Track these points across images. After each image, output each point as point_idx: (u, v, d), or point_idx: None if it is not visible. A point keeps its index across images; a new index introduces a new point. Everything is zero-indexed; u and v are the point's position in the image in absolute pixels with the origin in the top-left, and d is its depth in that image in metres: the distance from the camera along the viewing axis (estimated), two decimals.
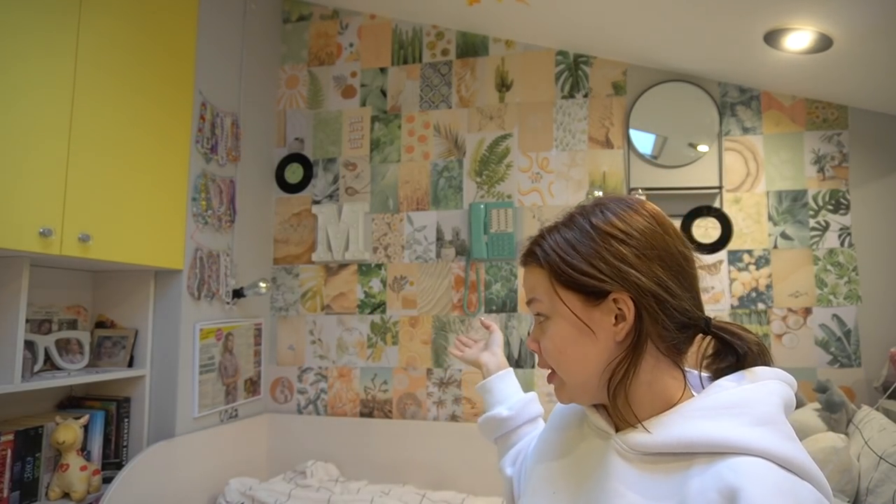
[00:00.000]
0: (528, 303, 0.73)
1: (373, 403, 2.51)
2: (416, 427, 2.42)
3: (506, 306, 2.42)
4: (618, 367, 0.66)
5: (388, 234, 2.56)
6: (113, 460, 1.91)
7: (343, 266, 2.60)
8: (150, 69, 1.87)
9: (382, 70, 2.64)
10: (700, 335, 0.70)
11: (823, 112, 2.27)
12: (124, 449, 1.94)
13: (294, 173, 2.67)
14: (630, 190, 2.31)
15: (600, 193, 2.30)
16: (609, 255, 0.67)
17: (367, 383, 2.52)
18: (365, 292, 2.56)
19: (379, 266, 2.56)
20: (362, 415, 2.51)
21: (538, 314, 0.71)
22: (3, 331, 1.51)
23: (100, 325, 2.02)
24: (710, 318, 0.69)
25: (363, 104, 2.65)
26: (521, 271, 0.74)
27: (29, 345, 1.68)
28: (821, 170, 2.25)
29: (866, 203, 2.21)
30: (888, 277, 2.16)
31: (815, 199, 2.24)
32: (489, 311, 2.44)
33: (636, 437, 0.65)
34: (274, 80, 2.73)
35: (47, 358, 1.78)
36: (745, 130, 2.32)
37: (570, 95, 2.45)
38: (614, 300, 0.66)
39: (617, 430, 0.69)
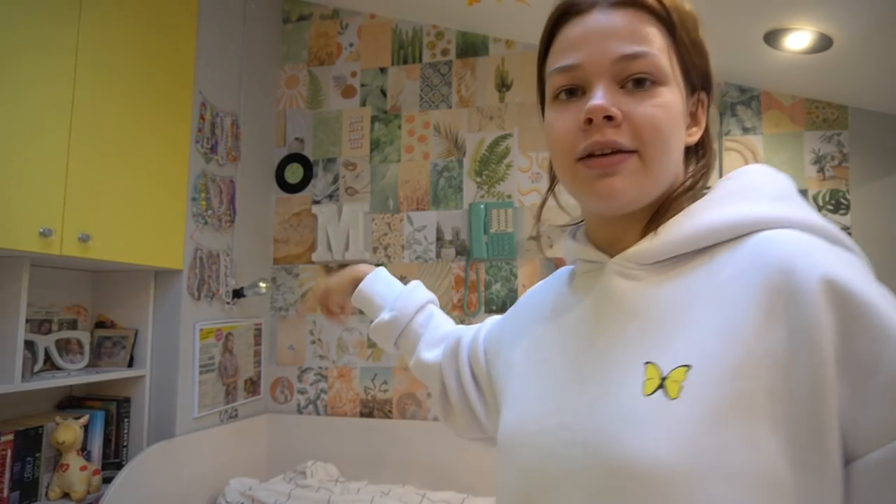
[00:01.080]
0: (632, 57, 0.52)
1: (373, 403, 2.51)
2: (416, 427, 2.42)
3: (506, 306, 2.42)
4: (690, 176, 0.57)
5: (388, 234, 2.56)
6: (113, 460, 1.91)
7: (343, 266, 2.59)
8: (150, 69, 1.87)
9: (382, 70, 2.64)
10: None
11: (823, 112, 2.27)
12: (124, 449, 1.94)
13: (294, 173, 2.67)
14: None
15: None
16: (706, 49, 0.58)
17: (367, 383, 2.52)
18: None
19: (379, 266, 2.55)
20: (362, 415, 2.51)
21: (644, 75, 0.53)
22: (3, 331, 1.51)
23: (100, 325, 2.02)
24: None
25: (363, 104, 2.65)
26: (596, 13, 0.55)
27: (29, 345, 1.68)
28: (821, 170, 2.25)
29: (866, 203, 2.20)
30: (888, 277, 2.15)
31: (815, 199, 2.24)
32: (489, 311, 2.44)
33: (638, 247, 0.55)
34: (274, 80, 2.73)
35: (47, 358, 1.78)
36: (745, 130, 2.31)
37: None
38: (694, 100, 0.58)
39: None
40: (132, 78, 1.80)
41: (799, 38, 1.87)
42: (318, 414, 2.55)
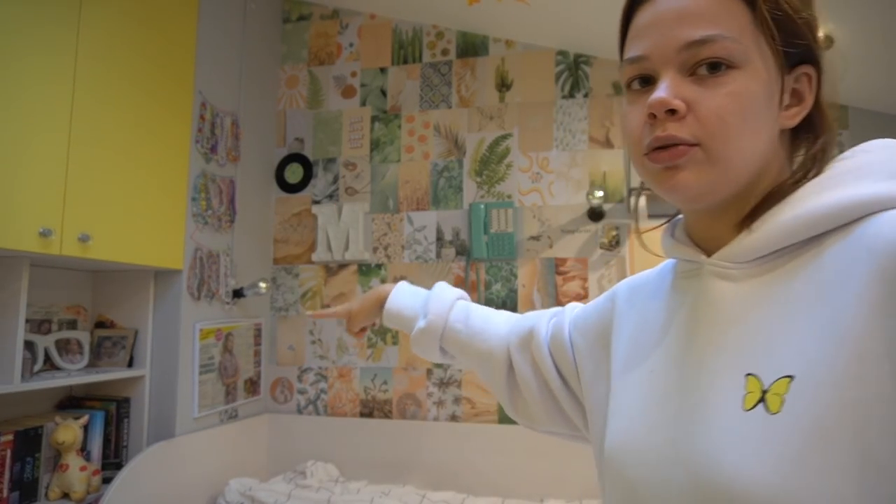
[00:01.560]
0: (700, 42, 0.48)
1: (373, 403, 2.51)
2: (416, 427, 2.42)
3: (506, 306, 2.42)
4: (792, 166, 0.51)
5: (388, 234, 2.56)
6: (113, 460, 1.91)
7: (343, 266, 2.60)
8: (150, 69, 1.87)
9: (382, 70, 2.64)
10: None
11: None
12: (124, 449, 1.94)
13: (294, 173, 2.67)
14: (630, 190, 2.30)
15: (601, 194, 2.30)
16: (814, 12, 0.51)
17: (367, 383, 2.52)
18: (365, 292, 2.56)
19: (379, 266, 2.56)
20: (362, 415, 2.51)
21: (714, 60, 0.48)
22: (3, 331, 1.51)
23: (100, 325, 2.02)
24: None
25: (363, 104, 2.65)
26: None
27: (29, 345, 1.68)
28: None
29: None
30: None
31: None
32: None
33: (734, 244, 0.50)
34: (274, 80, 2.73)
35: (47, 358, 1.78)
36: None
37: (571, 95, 2.45)
38: (798, 76, 0.51)
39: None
40: (132, 78, 1.80)
41: None
42: (318, 414, 2.55)
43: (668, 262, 0.65)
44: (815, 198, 0.47)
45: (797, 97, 0.51)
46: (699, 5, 0.49)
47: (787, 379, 0.43)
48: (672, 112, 0.48)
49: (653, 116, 0.49)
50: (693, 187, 0.49)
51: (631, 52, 0.52)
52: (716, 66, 0.48)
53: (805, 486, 0.40)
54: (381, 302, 0.92)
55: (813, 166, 0.50)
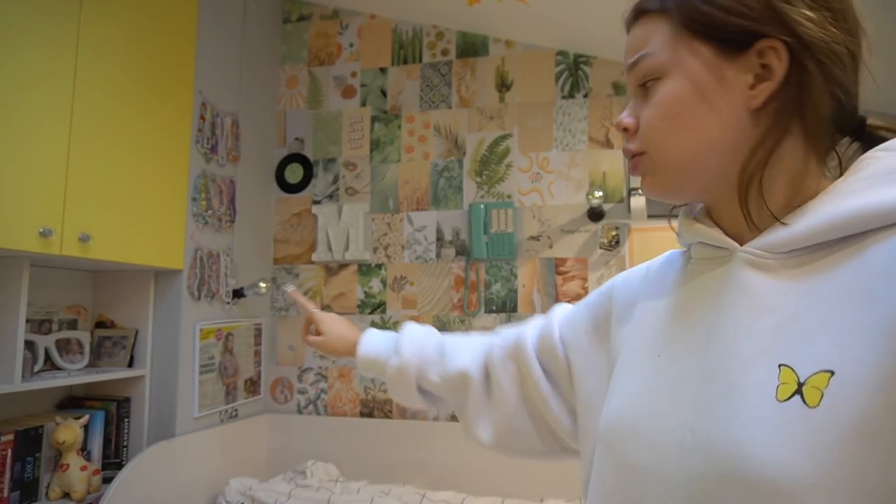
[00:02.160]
0: (631, 67, 0.55)
1: (373, 403, 2.51)
2: (416, 427, 2.42)
3: (506, 306, 2.42)
4: (758, 144, 0.50)
5: (388, 234, 2.56)
6: (113, 460, 1.91)
7: (343, 266, 2.60)
8: (150, 69, 1.87)
9: (382, 70, 2.64)
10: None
11: None
12: (124, 449, 1.94)
13: (294, 173, 2.67)
14: (630, 190, 2.30)
15: (601, 194, 2.30)
16: None
17: (367, 383, 2.52)
18: (365, 292, 2.56)
19: (379, 266, 2.56)
20: (362, 415, 2.51)
21: (643, 79, 0.54)
22: (3, 331, 1.51)
23: (100, 325, 2.02)
24: (865, 118, 0.56)
25: (363, 104, 2.65)
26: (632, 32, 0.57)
27: (29, 345, 1.68)
28: None
29: None
30: None
31: None
32: (489, 311, 2.44)
33: (773, 235, 0.50)
34: (274, 80, 2.73)
35: (47, 358, 1.78)
36: None
37: (570, 95, 2.45)
38: (760, 51, 0.50)
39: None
40: (132, 77, 1.80)
41: None
42: (318, 414, 2.55)
43: (672, 252, 0.66)
44: (864, 195, 0.46)
45: (766, 74, 0.50)
46: (635, 35, 0.56)
47: (827, 374, 0.42)
48: (626, 130, 0.57)
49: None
50: (656, 189, 0.56)
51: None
52: (649, 83, 0.54)
53: (843, 481, 0.40)
54: (347, 344, 0.93)
55: (772, 148, 0.51)
